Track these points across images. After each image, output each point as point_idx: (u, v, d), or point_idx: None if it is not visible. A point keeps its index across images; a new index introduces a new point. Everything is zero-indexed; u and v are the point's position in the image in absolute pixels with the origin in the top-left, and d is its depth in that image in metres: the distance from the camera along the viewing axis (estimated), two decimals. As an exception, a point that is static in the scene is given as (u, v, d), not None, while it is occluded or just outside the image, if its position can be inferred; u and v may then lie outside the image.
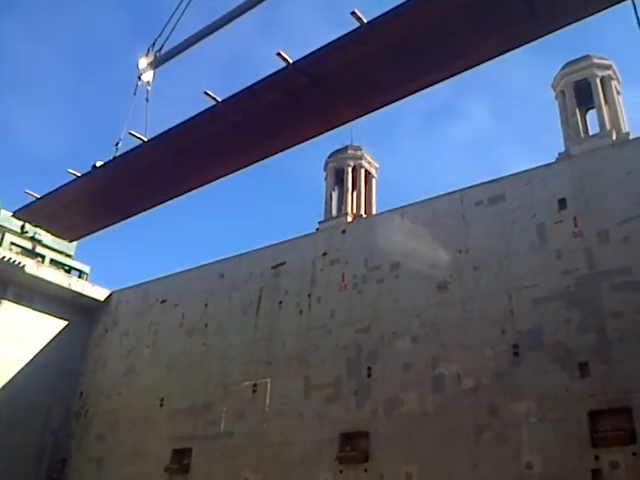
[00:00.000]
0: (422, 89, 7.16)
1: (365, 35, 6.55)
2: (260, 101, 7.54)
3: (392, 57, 6.74)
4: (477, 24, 6.26)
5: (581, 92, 34.62)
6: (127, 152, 8.91)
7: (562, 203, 14.23)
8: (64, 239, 10.97)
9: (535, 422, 12.73)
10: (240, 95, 7.62)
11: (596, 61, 35.31)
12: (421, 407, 14.34)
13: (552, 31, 6.28)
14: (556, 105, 36.47)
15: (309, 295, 17.80)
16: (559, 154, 34.10)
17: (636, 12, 5.71)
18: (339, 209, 35.60)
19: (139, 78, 9.44)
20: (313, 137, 8.10)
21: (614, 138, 32.06)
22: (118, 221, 10.28)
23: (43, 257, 23.24)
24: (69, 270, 24.33)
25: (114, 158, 9.01)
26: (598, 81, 35.17)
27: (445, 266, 15.40)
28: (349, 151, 36.78)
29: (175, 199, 9.68)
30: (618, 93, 35.65)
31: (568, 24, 6.20)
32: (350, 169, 36.09)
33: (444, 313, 14.91)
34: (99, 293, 23.77)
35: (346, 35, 6.69)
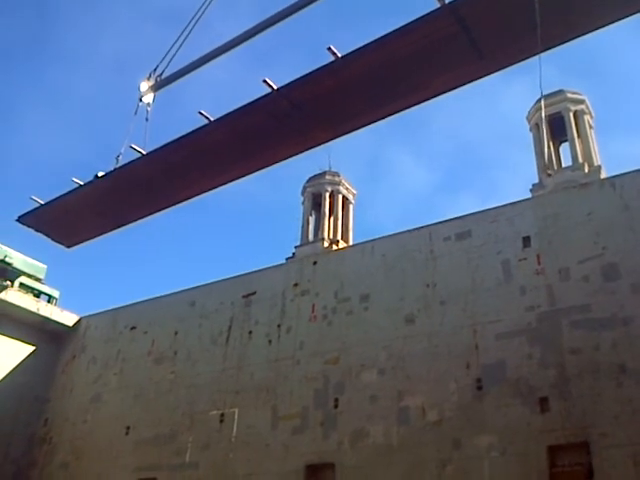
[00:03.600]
0: (386, 117, 8.05)
1: (338, 68, 7.44)
2: (248, 120, 8.37)
3: (360, 88, 7.64)
4: (431, 64, 7.21)
5: (555, 125, 35.48)
6: (127, 163, 9.64)
7: (526, 241, 14.66)
8: (63, 245, 11.42)
9: (496, 456, 12.93)
10: (231, 115, 8.42)
11: (570, 96, 36.26)
12: (386, 439, 14.48)
13: (500, 69, 7.17)
14: (530, 137, 37.37)
15: (279, 325, 17.92)
16: (533, 185, 34.91)
17: (540, 66, 6.75)
18: (316, 234, 35.87)
19: (140, 100, 10.15)
20: (293, 155, 8.92)
21: (586, 171, 32.94)
22: (115, 228, 10.90)
23: (12, 280, 23.04)
24: (38, 294, 24.11)
25: (115, 169, 9.71)
26: (571, 115, 36.14)
27: (413, 299, 15.69)
28: (327, 176, 37.17)
29: (168, 208, 10.39)
30: (590, 127, 36.66)
31: (513, 64, 7.07)
32: (327, 194, 36.48)
33: (411, 346, 15.14)
34: (68, 318, 23.58)
35: (323, 67, 7.56)
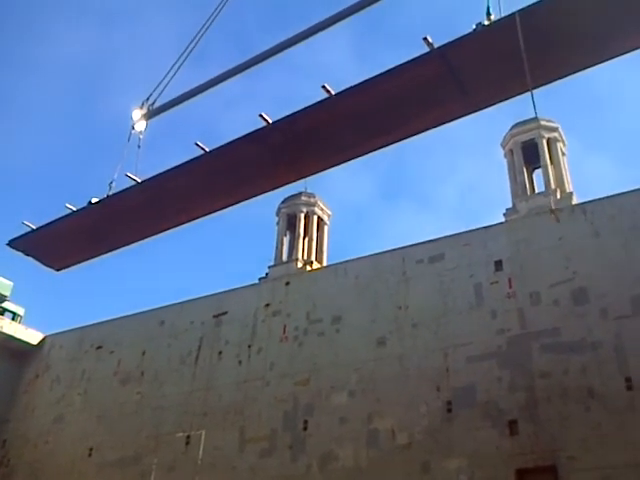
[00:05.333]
0: (375, 150, 8.39)
1: (332, 104, 7.79)
2: (243, 151, 8.64)
3: (352, 123, 7.99)
4: (419, 103, 7.57)
5: (528, 152, 36.05)
6: (122, 191, 9.75)
7: (498, 265, 14.80)
8: (53, 269, 11.32)
9: (465, 480, 12.86)
10: (225, 146, 8.68)
11: (543, 123, 36.92)
12: (355, 462, 14.32)
13: (485, 107, 7.46)
14: (505, 163, 37.94)
15: (249, 346, 17.73)
16: (507, 209, 35.38)
17: (533, 101, 6.83)
18: (290, 254, 35.75)
19: (132, 128, 10.23)
20: (286, 184, 9.27)
21: (558, 197, 33.51)
22: (106, 252, 10.97)
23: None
24: (2, 312, 23.64)
25: (108, 196, 9.84)
26: (545, 142, 36.78)
27: (385, 322, 15.66)
28: (302, 197, 37.17)
29: (160, 234, 10.49)
30: (563, 154, 37.41)
31: (499, 102, 7.36)
32: (302, 215, 36.44)
33: (382, 369, 15.07)
34: (32, 336, 23.05)
35: (317, 103, 7.91)
